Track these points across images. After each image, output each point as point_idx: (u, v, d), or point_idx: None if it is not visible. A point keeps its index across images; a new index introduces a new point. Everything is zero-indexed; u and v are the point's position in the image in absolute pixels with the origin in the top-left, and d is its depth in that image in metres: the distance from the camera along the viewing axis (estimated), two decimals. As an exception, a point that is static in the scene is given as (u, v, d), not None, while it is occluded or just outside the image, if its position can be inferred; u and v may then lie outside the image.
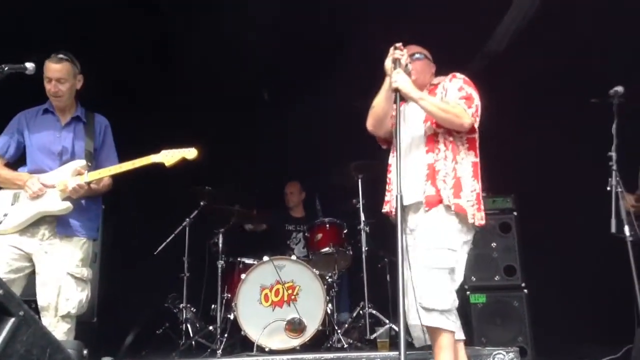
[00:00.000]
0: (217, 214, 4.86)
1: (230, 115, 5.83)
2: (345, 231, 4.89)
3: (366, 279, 4.64)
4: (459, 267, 2.86)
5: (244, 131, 5.93)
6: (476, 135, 3.01)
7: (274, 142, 6.01)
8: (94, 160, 3.26)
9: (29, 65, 2.93)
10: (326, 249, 4.75)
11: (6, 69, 2.84)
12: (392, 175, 3.07)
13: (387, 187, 3.13)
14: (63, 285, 3.03)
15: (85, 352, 2.24)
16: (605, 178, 3.58)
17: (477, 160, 2.98)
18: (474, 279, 4.89)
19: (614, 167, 3.33)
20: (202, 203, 4.81)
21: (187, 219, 4.86)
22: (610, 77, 3.78)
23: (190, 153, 3.17)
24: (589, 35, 4.76)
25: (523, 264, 4.86)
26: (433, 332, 2.77)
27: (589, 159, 4.38)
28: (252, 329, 4.25)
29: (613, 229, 3.23)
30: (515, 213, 4.99)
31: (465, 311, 4.89)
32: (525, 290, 4.78)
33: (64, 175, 3.10)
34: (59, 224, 3.09)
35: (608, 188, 3.33)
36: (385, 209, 3.11)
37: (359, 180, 4.74)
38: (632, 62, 4.52)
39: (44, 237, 3.09)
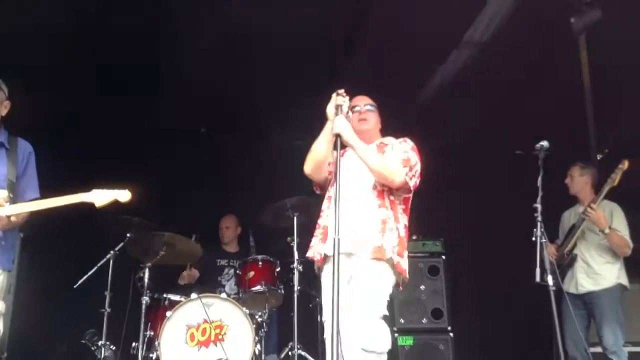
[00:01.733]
0: (143, 247, 4.64)
1: (167, 148, 5.70)
2: (278, 269, 4.81)
3: (296, 319, 4.56)
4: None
5: (180, 164, 5.79)
6: (410, 197, 3.12)
7: (210, 175, 5.90)
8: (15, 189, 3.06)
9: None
10: (258, 287, 4.64)
11: None
12: (322, 221, 3.12)
13: (315, 232, 3.16)
14: (-26, 320, 2.80)
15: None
16: (529, 227, 3.73)
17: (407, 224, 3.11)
18: (402, 321, 4.95)
19: (539, 219, 3.46)
20: (128, 235, 4.59)
21: (112, 251, 4.62)
22: (535, 131, 3.98)
23: (124, 195, 3.02)
24: (519, 89, 5.04)
25: (450, 307, 4.97)
26: None
27: (515, 207, 4.56)
28: (175, 369, 4.07)
29: (537, 279, 3.34)
30: (443, 257, 5.13)
31: (392, 353, 4.91)
32: (451, 334, 4.87)
33: None
34: (-29, 256, 2.87)
35: (533, 239, 3.45)
36: (309, 253, 3.15)
37: (294, 218, 4.71)
38: (557, 115, 4.82)
39: None
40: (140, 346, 4.34)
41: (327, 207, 3.13)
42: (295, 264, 4.61)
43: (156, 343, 4.17)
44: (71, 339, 4.85)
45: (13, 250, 3.12)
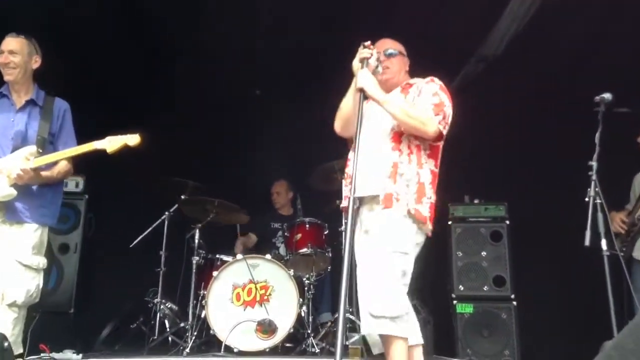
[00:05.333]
0: (196, 208, 4.73)
1: (216, 111, 5.74)
2: (326, 232, 4.75)
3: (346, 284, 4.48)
4: (409, 270, 2.74)
5: (230, 128, 5.82)
6: (440, 144, 2.90)
7: (259, 138, 5.90)
8: (51, 146, 3.19)
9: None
10: (304, 250, 4.60)
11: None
12: (348, 170, 2.98)
13: (344, 182, 3.03)
14: (10, 273, 2.95)
15: (6, 344, 2.15)
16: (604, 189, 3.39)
17: (437, 170, 2.88)
18: (462, 288, 4.77)
19: (594, 177, 3.14)
20: (182, 197, 4.70)
21: (167, 213, 4.78)
22: (602, 84, 3.59)
23: (133, 139, 3.09)
24: (581, 41, 4.59)
25: (513, 274, 4.72)
26: (385, 339, 2.69)
27: (585, 168, 4.19)
28: (221, 328, 4.14)
29: (587, 242, 3.04)
30: (507, 222, 4.86)
31: (450, 321, 4.77)
32: (515, 302, 4.64)
33: (14, 161, 3.02)
34: (7, 210, 3.02)
35: (586, 199, 3.14)
36: (344, 203, 3.03)
37: (343, 181, 4.59)
38: (623, 69, 4.32)
39: None
40: (191, 304, 4.47)
41: (350, 154, 3.00)
42: (344, 227, 4.52)
43: (203, 302, 4.24)
44: (133, 296, 5.06)
45: (52, 207, 3.23)
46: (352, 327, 4.45)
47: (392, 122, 2.85)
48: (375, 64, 2.85)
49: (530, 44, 4.80)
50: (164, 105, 5.54)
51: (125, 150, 3.27)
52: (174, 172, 4.81)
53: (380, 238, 2.70)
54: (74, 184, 5.01)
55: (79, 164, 3.50)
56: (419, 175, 2.78)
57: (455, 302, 4.75)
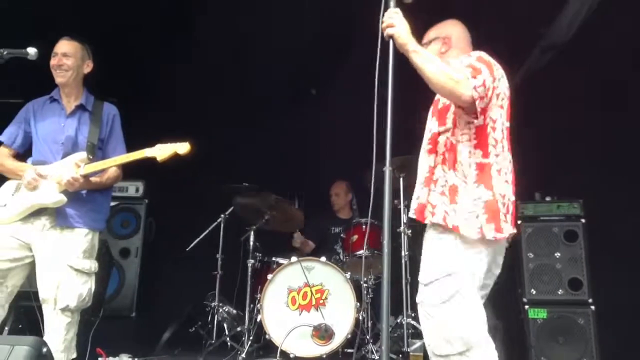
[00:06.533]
0: (251, 211, 4.66)
1: (272, 112, 5.66)
2: (384, 234, 4.55)
3: (406, 287, 4.29)
4: (466, 289, 2.34)
5: (280, 128, 5.72)
6: (487, 126, 2.43)
7: (311, 138, 5.77)
8: (100, 151, 3.17)
9: (31, 51, 2.87)
10: (361, 252, 4.43)
11: (5, 53, 2.80)
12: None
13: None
14: (62, 277, 2.94)
15: (45, 349, 2.11)
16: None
17: (488, 161, 2.41)
18: (534, 291, 4.52)
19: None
20: (238, 200, 4.65)
21: (222, 215, 4.73)
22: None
23: (183, 147, 3.02)
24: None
25: (591, 277, 4.40)
26: None
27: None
28: (277, 332, 4.03)
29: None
30: (583, 220, 4.53)
31: (522, 327, 4.51)
32: (593, 307, 4.34)
33: (65, 168, 3.02)
34: (58, 215, 3.02)
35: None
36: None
37: (400, 179, 4.39)
38: None
39: (44, 228, 3.02)
40: (248, 308, 4.40)
41: None
42: (403, 228, 4.32)
43: (258, 306, 4.15)
44: (193, 299, 5.05)
45: (103, 212, 3.22)
46: (415, 333, 4.26)
47: (430, 121, 2.59)
48: None
49: (603, 29, 4.42)
50: (219, 110, 5.52)
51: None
52: (229, 176, 4.78)
53: (422, 264, 2.46)
54: (134, 189, 5.09)
55: (138, 168, 3.50)
56: (455, 176, 2.40)
57: (527, 306, 4.51)
